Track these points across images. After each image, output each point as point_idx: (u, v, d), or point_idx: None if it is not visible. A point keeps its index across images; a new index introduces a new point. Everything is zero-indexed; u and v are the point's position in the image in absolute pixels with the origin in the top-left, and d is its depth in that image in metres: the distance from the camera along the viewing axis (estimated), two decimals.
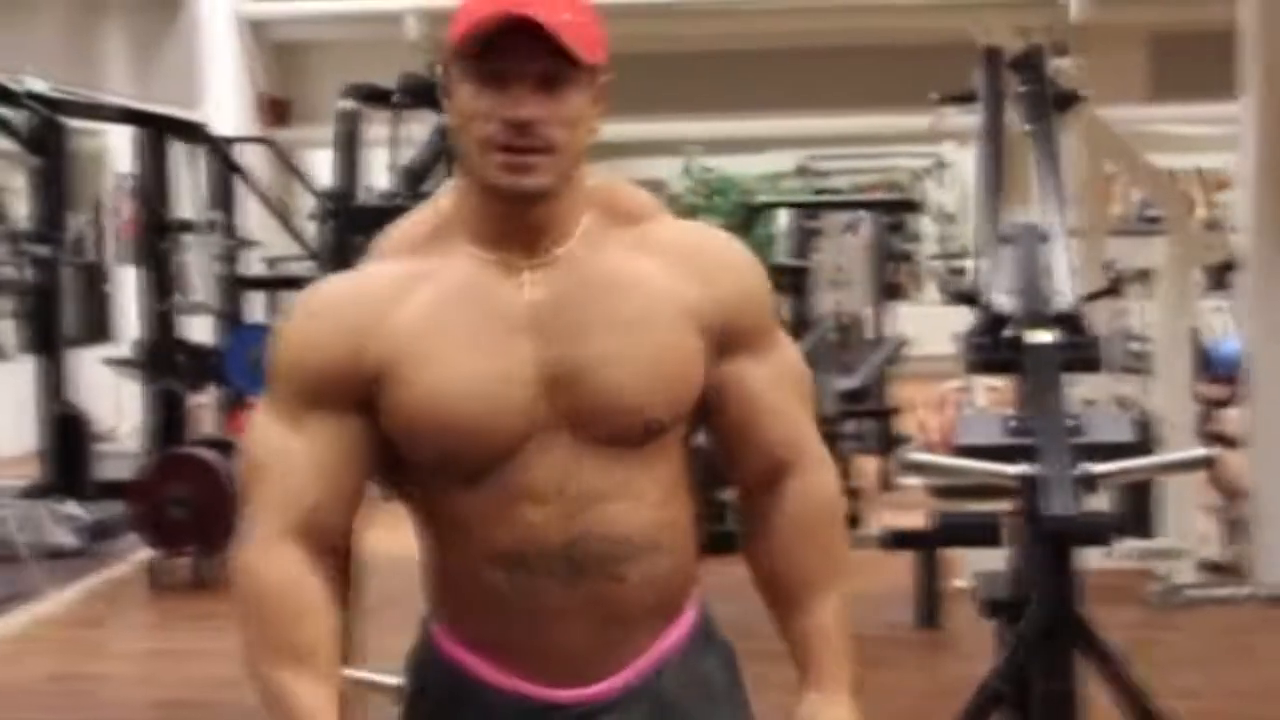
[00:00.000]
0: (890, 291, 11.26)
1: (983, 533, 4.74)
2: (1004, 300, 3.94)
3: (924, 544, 6.06)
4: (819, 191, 14.53)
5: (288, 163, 10.48)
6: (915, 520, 6.08)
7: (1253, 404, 6.90)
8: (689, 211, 10.72)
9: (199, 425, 9.22)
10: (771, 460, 1.98)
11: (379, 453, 1.89)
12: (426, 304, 1.85)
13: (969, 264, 5.05)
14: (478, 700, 1.93)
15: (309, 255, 9.54)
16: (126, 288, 11.07)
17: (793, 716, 1.98)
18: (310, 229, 11.81)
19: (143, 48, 13.16)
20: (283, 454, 1.88)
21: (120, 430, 11.14)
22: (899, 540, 6.31)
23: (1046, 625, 3.38)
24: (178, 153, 8.57)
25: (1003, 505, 4.24)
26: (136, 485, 7.28)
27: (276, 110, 15.42)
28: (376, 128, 4.52)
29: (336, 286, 1.93)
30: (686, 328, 1.90)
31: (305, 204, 12.90)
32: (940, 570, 6.19)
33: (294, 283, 10.95)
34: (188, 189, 8.52)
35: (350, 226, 4.57)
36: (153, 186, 8.34)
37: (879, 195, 15.65)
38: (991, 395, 9.63)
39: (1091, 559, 5.87)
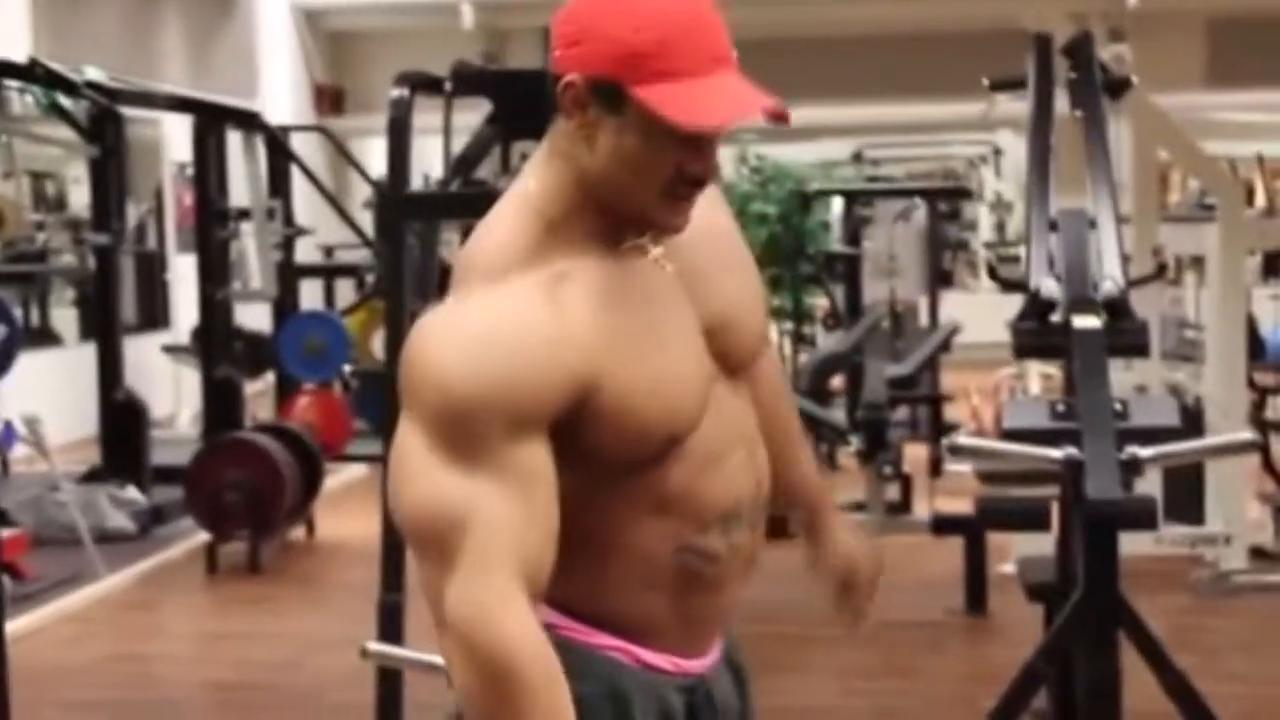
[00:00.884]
0: (943, 279, 11.24)
1: (1028, 517, 4.76)
2: (1052, 285, 3.94)
3: (970, 529, 6.09)
4: (872, 179, 14.50)
5: (343, 151, 10.56)
6: (964, 507, 6.10)
7: None
8: (743, 199, 10.72)
9: (255, 412, 9.32)
10: (758, 347, 2.04)
11: None
12: (589, 307, 1.79)
13: (1021, 251, 5.07)
14: (638, 684, 1.89)
15: (364, 243, 9.62)
16: (184, 276, 11.18)
17: (835, 543, 2.22)
18: (365, 217, 11.94)
19: (199, 38, 13.28)
20: (490, 498, 1.72)
21: (178, 417, 11.27)
22: (945, 525, 6.35)
23: (1090, 608, 3.38)
24: (234, 142, 8.65)
25: (1050, 490, 4.25)
26: (193, 471, 7.36)
27: (332, 99, 15.53)
28: (431, 116, 4.56)
29: (495, 310, 1.77)
30: (750, 256, 2.03)
31: (360, 193, 13.04)
32: (988, 556, 6.20)
33: (348, 271, 11.07)
34: (244, 178, 8.59)
35: (402, 214, 4.61)
36: (209, 175, 8.42)
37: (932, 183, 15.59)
38: (1045, 383, 9.62)
39: (1141, 545, 5.90)
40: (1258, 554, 6.76)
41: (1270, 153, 12.79)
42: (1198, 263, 8.20)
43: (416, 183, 6.85)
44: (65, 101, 7.87)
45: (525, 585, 1.71)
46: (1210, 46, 14.56)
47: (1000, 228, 17.64)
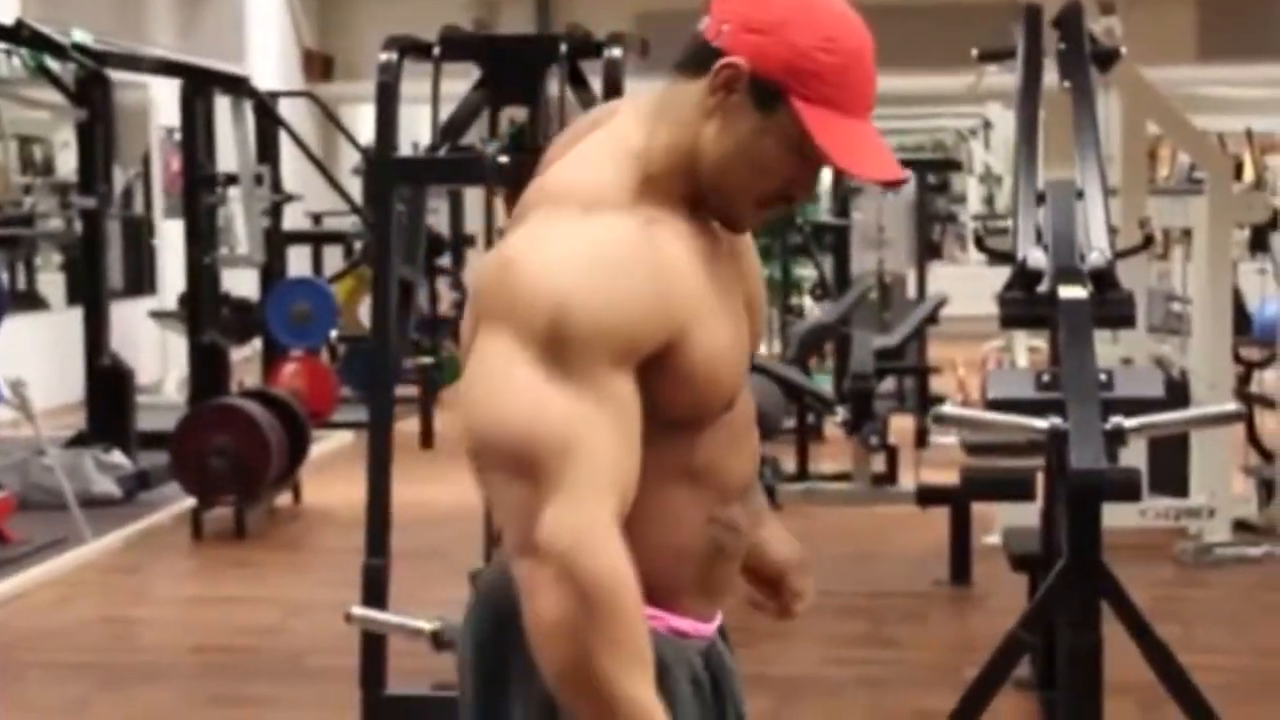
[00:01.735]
0: (932, 251, 11.25)
1: (1013, 488, 4.79)
2: (1038, 256, 3.95)
3: (955, 500, 6.10)
4: None
5: (331, 117, 10.51)
6: (950, 478, 6.12)
7: None
8: None
9: (242, 378, 9.31)
10: (759, 338, 2.09)
11: None
12: (684, 260, 1.80)
13: (1010, 224, 5.05)
14: (673, 651, 1.89)
15: (352, 210, 9.60)
16: (171, 241, 11.16)
17: (768, 545, 2.11)
18: (354, 184, 11.90)
19: (188, 1, 13.21)
20: (593, 424, 1.71)
21: (164, 382, 11.26)
22: (930, 496, 6.36)
23: (1073, 578, 3.40)
24: (222, 107, 8.61)
25: (1035, 462, 4.27)
26: (179, 436, 7.35)
27: (320, 65, 15.48)
28: (420, 84, 4.54)
29: (605, 238, 1.77)
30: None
31: (348, 159, 13.00)
32: (973, 526, 6.22)
33: (336, 237, 11.04)
34: (232, 143, 8.56)
35: (390, 179, 4.60)
36: (197, 140, 8.39)
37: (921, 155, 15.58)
38: (1032, 356, 9.63)
39: (1125, 517, 5.92)
40: (1241, 527, 6.78)
41: (1259, 127, 12.79)
42: (1186, 236, 8.20)
43: (405, 151, 6.81)
44: (52, 64, 7.84)
45: (618, 518, 1.73)
46: (1201, 20, 14.56)
47: (989, 201, 17.63)
